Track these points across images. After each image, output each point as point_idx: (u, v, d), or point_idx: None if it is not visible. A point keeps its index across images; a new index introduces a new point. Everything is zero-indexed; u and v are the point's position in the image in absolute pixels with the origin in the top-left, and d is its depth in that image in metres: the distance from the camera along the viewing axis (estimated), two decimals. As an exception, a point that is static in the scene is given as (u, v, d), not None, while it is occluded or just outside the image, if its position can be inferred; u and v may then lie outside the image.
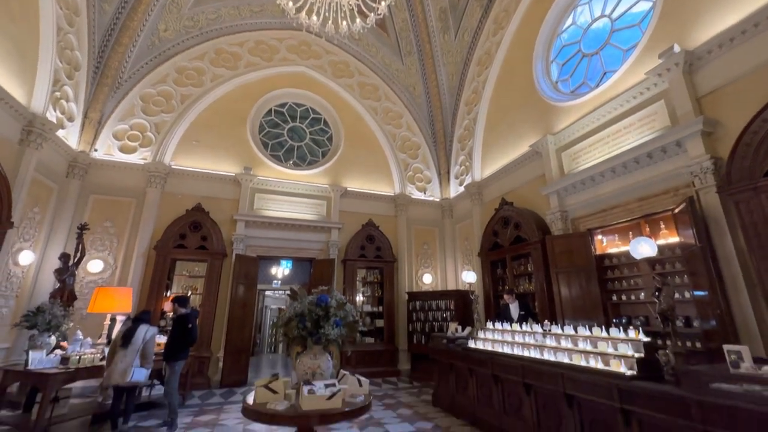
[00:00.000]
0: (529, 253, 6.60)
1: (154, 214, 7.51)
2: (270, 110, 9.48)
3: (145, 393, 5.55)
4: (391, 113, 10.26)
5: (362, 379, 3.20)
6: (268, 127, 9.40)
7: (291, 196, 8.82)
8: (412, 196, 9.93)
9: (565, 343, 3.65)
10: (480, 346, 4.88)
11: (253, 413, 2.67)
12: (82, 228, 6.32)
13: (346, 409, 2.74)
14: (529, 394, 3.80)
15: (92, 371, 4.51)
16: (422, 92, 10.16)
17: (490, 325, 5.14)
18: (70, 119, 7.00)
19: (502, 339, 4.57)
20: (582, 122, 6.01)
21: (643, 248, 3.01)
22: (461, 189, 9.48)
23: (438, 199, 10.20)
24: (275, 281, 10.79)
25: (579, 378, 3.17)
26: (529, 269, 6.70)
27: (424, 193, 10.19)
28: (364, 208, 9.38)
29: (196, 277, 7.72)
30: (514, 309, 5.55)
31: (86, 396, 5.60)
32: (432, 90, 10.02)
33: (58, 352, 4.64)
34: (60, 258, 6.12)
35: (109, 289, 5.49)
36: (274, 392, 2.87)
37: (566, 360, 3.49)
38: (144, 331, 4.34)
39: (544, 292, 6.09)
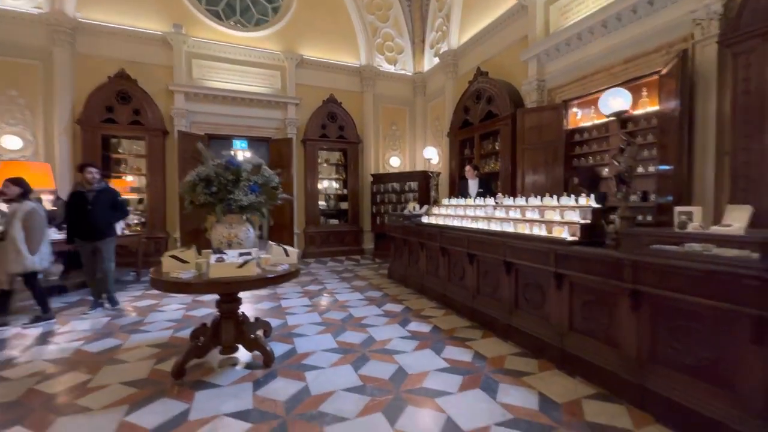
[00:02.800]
0: (499, 130, 6.09)
1: (68, 81, 6.33)
2: (198, -55, 7.39)
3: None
4: (357, -43, 8.26)
5: (290, 249, 2.95)
6: (199, -29, 7.46)
7: (238, 65, 7.56)
8: (381, 69, 8.75)
9: (514, 214, 3.44)
10: (433, 221, 4.74)
11: (158, 283, 2.41)
12: (-28, 93, 5.26)
13: (267, 276, 2.53)
14: (473, 264, 3.76)
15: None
16: (395, -73, 8.04)
17: (446, 201, 4.92)
18: None
19: (455, 213, 4.39)
20: (581, -40, 4.83)
21: (615, 102, 2.52)
22: (436, 60, 8.33)
23: (410, 74, 9.06)
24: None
25: (519, 246, 3.03)
26: (497, 148, 6.28)
27: (395, 66, 8.98)
28: (324, 81, 8.26)
29: (139, 156, 6.99)
30: (473, 185, 5.30)
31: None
32: (407, -77, 7.91)
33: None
34: (-44, 130, 5.22)
35: (18, 163, 4.83)
36: (185, 262, 2.59)
37: (512, 230, 3.33)
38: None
39: (508, 171, 5.81)
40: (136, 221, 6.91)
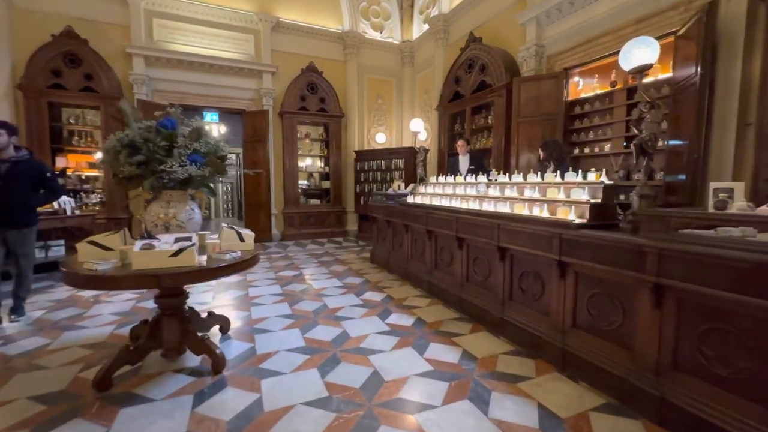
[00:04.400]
0: (492, 102, 5.59)
1: (5, 39, 5.53)
2: None
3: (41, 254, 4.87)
4: None
5: (246, 233, 2.46)
6: None
7: (205, 26, 6.78)
8: (366, 36, 8.04)
9: (510, 193, 3.01)
10: (419, 201, 4.29)
11: (69, 276, 1.91)
12: None
13: (214, 266, 2.05)
14: (462, 249, 3.35)
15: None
16: None
17: (433, 180, 4.46)
18: None
19: (443, 192, 3.94)
20: None
21: (639, 54, 2.06)
22: (425, 28, 7.67)
23: (398, 42, 8.38)
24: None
25: (516, 229, 2.61)
26: (490, 122, 5.80)
27: (381, 33, 8.28)
28: (303, 47, 7.55)
29: (97, 128, 6.26)
30: (464, 162, 4.84)
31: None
32: None
33: None
34: None
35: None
36: (108, 249, 2.09)
37: (508, 211, 2.90)
38: None
39: (501, 147, 5.35)
40: (95, 200, 6.32)
